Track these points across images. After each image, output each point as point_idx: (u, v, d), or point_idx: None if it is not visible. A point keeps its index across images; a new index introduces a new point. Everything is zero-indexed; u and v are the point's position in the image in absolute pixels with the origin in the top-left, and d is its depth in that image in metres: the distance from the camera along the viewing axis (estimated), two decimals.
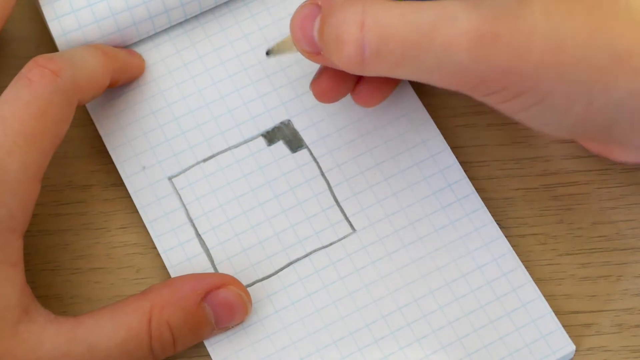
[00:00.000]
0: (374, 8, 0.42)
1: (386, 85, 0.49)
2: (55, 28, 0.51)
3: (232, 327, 0.48)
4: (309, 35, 0.45)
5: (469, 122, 0.52)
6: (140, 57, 0.53)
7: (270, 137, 0.52)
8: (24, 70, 0.46)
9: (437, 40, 0.41)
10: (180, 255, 0.50)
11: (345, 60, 0.43)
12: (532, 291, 0.48)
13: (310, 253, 0.49)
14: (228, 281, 0.47)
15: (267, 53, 0.49)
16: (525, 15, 0.41)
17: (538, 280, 0.49)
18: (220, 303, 0.47)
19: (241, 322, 0.48)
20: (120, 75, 0.51)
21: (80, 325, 0.45)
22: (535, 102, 0.42)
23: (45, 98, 0.46)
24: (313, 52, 0.45)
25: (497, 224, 0.50)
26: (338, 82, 0.48)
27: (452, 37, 0.41)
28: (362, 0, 0.43)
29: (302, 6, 0.45)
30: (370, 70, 0.43)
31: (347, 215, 0.50)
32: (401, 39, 0.42)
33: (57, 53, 0.48)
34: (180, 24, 0.53)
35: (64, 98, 0.47)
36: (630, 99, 0.41)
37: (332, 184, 0.51)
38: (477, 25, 0.41)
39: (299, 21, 0.45)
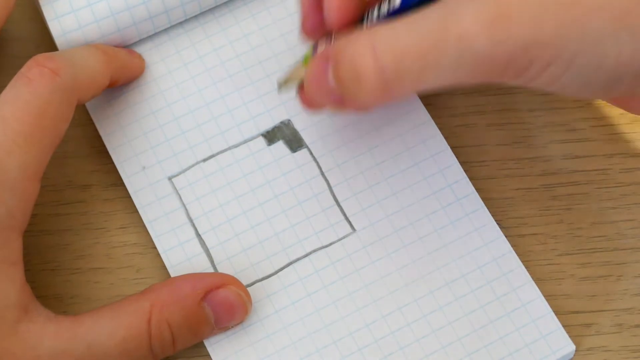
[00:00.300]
0: (381, 32, 0.41)
1: None
2: (55, 28, 0.51)
3: (232, 327, 0.48)
4: (327, 88, 0.43)
5: (469, 122, 0.53)
6: (140, 57, 0.53)
7: (270, 137, 0.52)
8: (23, 70, 0.46)
9: (452, 37, 0.40)
10: (180, 255, 0.50)
11: (370, 92, 0.42)
12: (532, 291, 0.48)
13: (310, 253, 0.49)
14: (228, 281, 0.47)
15: (278, 89, 0.49)
16: None
17: (538, 280, 0.49)
18: (220, 303, 0.47)
19: (241, 322, 0.48)
20: (120, 75, 0.51)
21: (80, 324, 0.45)
22: (565, 68, 0.40)
23: (44, 97, 0.46)
24: (337, 101, 0.44)
25: (497, 224, 0.50)
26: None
27: (465, 29, 0.40)
28: (365, 31, 0.42)
29: (309, 65, 0.44)
30: (397, 92, 0.42)
31: (347, 215, 0.50)
32: (416, 50, 0.40)
33: (56, 52, 0.48)
34: (180, 23, 0.53)
35: (63, 97, 0.47)
36: None
37: (332, 184, 0.51)
38: (486, 9, 0.40)
39: (315, 81, 0.44)
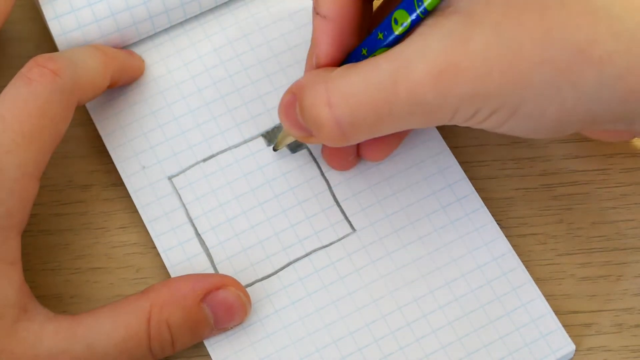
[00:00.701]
0: (336, 82, 0.43)
1: (391, 139, 0.49)
2: (55, 27, 0.51)
3: (231, 328, 0.48)
4: (296, 122, 0.46)
5: None
6: (140, 59, 0.53)
7: (270, 137, 0.52)
8: (23, 70, 0.46)
9: (402, 90, 0.42)
10: (180, 255, 0.50)
11: (329, 139, 0.44)
12: (532, 291, 0.48)
13: (310, 253, 0.49)
14: (228, 282, 0.47)
15: (274, 149, 0.50)
16: (476, 36, 0.41)
17: (538, 280, 0.49)
18: (219, 304, 0.47)
19: (240, 323, 0.48)
20: (120, 76, 0.51)
21: (79, 324, 0.45)
22: (510, 115, 0.42)
23: (44, 97, 0.46)
24: (305, 135, 0.46)
25: (497, 223, 0.50)
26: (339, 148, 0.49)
27: (414, 83, 0.42)
28: (323, 78, 0.44)
29: (282, 97, 0.47)
30: (355, 139, 0.44)
31: (347, 215, 0.50)
32: (369, 103, 0.43)
33: (57, 53, 0.48)
34: (180, 23, 0.53)
35: (63, 97, 0.47)
36: (601, 89, 0.41)
37: (332, 184, 0.51)
38: (433, 63, 0.41)
39: (284, 111, 0.46)
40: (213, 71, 0.53)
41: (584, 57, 0.40)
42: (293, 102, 0.46)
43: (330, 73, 0.44)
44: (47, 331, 0.45)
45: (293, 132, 0.47)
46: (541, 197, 0.51)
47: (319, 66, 0.46)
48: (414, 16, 0.43)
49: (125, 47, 0.53)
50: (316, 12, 0.45)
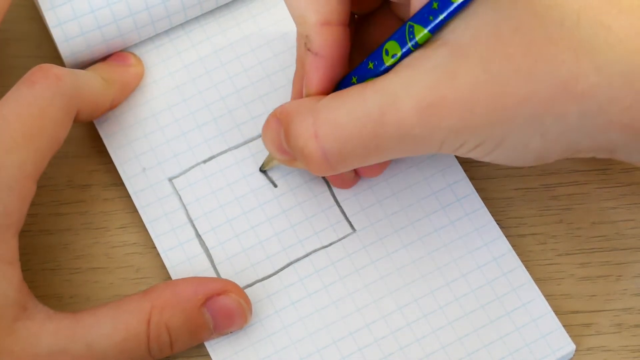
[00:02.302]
0: (323, 114, 0.44)
1: None
2: (58, 34, 0.50)
3: (231, 332, 0.48)
4: (281, 147, 0.46)
5: None
6: (137, 64, 0.52)
7: None
8: (27, 75, 0.47)
9: (389, 124, 0.42)
10: (180, 256, 0.49)
11: (315, 169, 0.45)
12: (532, 291, 0.48)
13: (310, 253, 0.49)
14: (230, 288, 0.47)
15: (261, 170, 0.51)
16: (463, 71, 0.41)
17: (537, 280, 0.49)
18: (219, 309, 0.47)
19: (239, 329, 0.48)
20: (120, 96, 0.51)
21: (79, 323, 0.45)
22: (494, 147, 0.43)
23: (46, 98, 0.46)
24: (290, 159, 0.47)
25: (497, 223, 0.50)
26: None
27: (401, 117, 0.42)
28: (310, 108, 0.44)
29: (267, 121, 0.47)
30: (342, 170, 0.45)
31: (347, 215, 0.50)
32: (356, 136, 0.43)
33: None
34: (181, 25, 0.54)
35: (64, 102, 0.47)
36: (584, 121, 0.41)
37: (332, 185, 0.51)
38: (420, 97, 0.42)
39: (268, 137, 0.47)
40: (213, 72, 0.53)
41: (568, 91, 0.41)
42: (278, 127, 0.46)
43: (317, 103, 0.44)
44: (47, 330, 0.45)
45: (277, 157, 0.47)
46: (541, 197, 0.51)
47: (308, 96, 0.46)
48: (405, 49, 0.43)
49: (125, 49, 0.53)
50: (307, 48, 0.46)
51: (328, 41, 0.45)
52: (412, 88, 0.42)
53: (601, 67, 0.40)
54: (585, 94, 0.40)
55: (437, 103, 0.41)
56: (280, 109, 0.46)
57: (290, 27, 0.53)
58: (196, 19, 0.54)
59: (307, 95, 0.46)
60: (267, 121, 0.47)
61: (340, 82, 0.46)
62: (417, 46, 0.43)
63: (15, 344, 0.44)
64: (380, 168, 0.49)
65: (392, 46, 0.44)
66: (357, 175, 0.50)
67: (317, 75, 0.46)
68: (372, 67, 0.44)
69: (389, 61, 0.44)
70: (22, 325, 0.45)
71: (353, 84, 0.45)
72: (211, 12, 0.54)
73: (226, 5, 0.54)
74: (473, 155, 0.43)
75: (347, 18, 0.46)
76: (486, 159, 0.44)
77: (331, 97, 0.44)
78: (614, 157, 0.44)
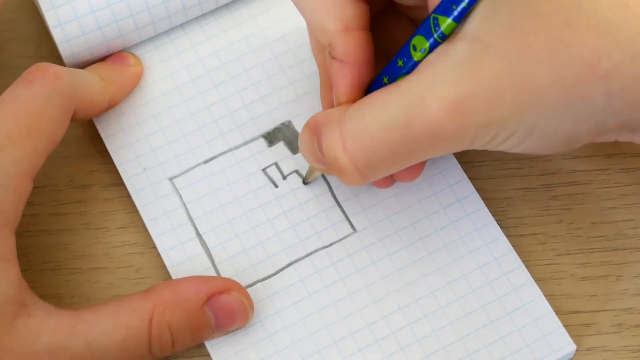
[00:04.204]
0: (349, 125, 0.44)
1: None
2: (58, 35, 0.50)
3: (232, 331, 0.48)
4: (318, 158, 0.46)
5: None
6: (136, 63, 0.52)
7: (271, 138, 0.52)
8: (25, 73, 0.47)
9: (418, 127, 0.42)
10: (180, 255, 0.49)
11: (349, 181, 0.45)
12: (532, 291, 0.48)
13: (311, 253, 0.49)
14: (231, 286, 0.47)
15: (304, 182, 0.51)
16: (486, 64, 0.41)
17: (538, 280, 0.49)
18: (221, 308, 0.47)
19: (241, 327, 0.48)
20: (118, 96, 0.51)
21: (80, 320, 0.45)
22: (526, 136, 0.42)
23: (44, 97, 0.47)
24: (329, 168, 0.46)
25: (497, 223, 0.50)
26: None
27: (429, 119, 0.42)
28: (337, 119, 0.44)
29: (301, 132, 0.47)
30: (374, 179, 0.45)
31: (348, 215, 0.50)
32: (385, 143, 0.43)
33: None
34: (181, 25, 0.54)
35: (61, 100, 0.47)
36: (609, 100, 0.41)
37: (332, 185, 0.51)
38: (447, 96, 0.41)
39: (305, 148, 0.46)
40: (213, 73, 0.53)
41: (592, 72, 0.40)
42: (312, 138, 0.46)
43: (343, 113, 0.44)
44: (47, 327, 0.45)
45: (317, 167, 0.47)
46: (541, 197, 0.51)
47: (339, 105, 0.46)
48: (431, 41, 0.43)
49: (125, 49, 0.53)
50: (332, 56, 0.46)
51: (352, 47, 0.45)
52: (437, 88, 0.42)
53: (622, 45, 0.40)
54: (610, 73, 0.40)
55: (464, 100, 0.41)
56: (312, 120, 0.46)
57: (290, 28, 0.53)
58: (196, 19, 0.54)
59: (339, 104, 0.46)
60: (302, 132, 0.46)
61: (371, 85, 0.46)
62: (444, 37, 0.42)
63: (15, 341, 0.44)
64: (417, 171, 0.48)
65: (419, 41, 0.43)
66: (392, 179, 0.50)
67: (345, 82, 0.46)
68: (401, 65, 0.44)
69: (417, 56, 0.43)
70: (22, 323, 0.45)
71: (385, 84, 0.45)
72: (211, 12, 0.54)
73: (226, 5, 0.54)
74: (504, 147, 0.43)
75: (367, 22, 0.46)
76: (517, 150, 0.43)
77: (356, 105, 0.44)
78: (637, 140, 0.44)
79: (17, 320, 0.45)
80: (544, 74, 0.41)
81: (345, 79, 0.46)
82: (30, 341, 0.44)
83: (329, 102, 0.48)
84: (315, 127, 0.45)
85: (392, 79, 0.45)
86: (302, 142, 0.47)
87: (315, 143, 0.45)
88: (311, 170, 0.50)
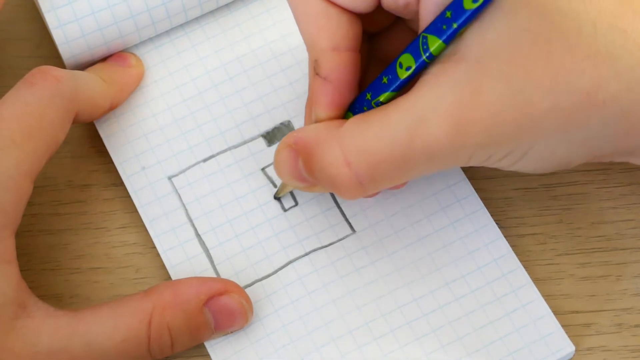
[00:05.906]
0: (350, 140, 0.44)
1: None
2: (59, 36, 0.50)
3: (231, 332, 0.48)
4: (300, 176, 0.46)
5: None
6: (137, 64, 0.52)
7: (270, 137, 0.52)
8: (26, 76, 0.47)
9: (418, 146, 0.43)
10: (180, 255, 0.50)
11: (348, 195, 0.45)
12: (531, 292, 0.48)
13: (310, 252, 0.49)
14: (231, 288, 0.47)
15: (275, 197, 0.50)
16: (486, 87, 0.41)
17: (537, 280, 0.49)
18: (221, 309, 0.47)
19: (240, 328, 0.48)
20: (119, 98, 0.51)
21: (80, 321, 0.45)
22: (521, 156, 0.43)
23: (45, 99, 0.47)
24: (309, 186, 0.47)
25: (496, 224, 0.50)
26: None
27: (430, 139, 0.42)
28: (334, 135, 0.44)
29: (278, 152, 0.46)
30: (374, 191, 0.45)
31: (347, 216, 0.50)
32: (387, 159, 0.43)
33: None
34: (181, 25, 0.54)
35: (63, 103, 0.47)
36: (606, 128, 0.42)
37: None
38: (447, 117, 0.42)
39: (283, 168, 0.46)
40: (213, 73, 0.53)
41: (590, 101, 0.41)
42: (294, 158, 0.46)
43: (339, 129, 0.44)
44: (47, 328, 0.45)
45: (295, 185, 0.47)
46: (540, 197, 0.51)
47: (318, 122, 0.46)
48: (419, 61, 0.43)
49: (125, 50, 0.53)
50: (316, 72, 0.46)
51: (337, 66, 0.45)
52: (439, 108, 0.42)
53: (620, 74, 0.40)
54: (607, 102, 0.41)
55: (464, 122, 0.42)
56: (293, 139, 0.46)
57: (290, 28, 0.53)
58: (196, 19, 0.54)
59: (317, 121, 0.46)
60: (279, 152, 0.46)
61: (355, 100, 0.46)
62: (432, 57, 0.43)
63: (15, 343, 0.44)
64: (404, 183, 0.49)
65: (406, 59, 0.43)
66: None
67: (325, 100, 0.46)
68: (386, 82, 0.44)
69: (403, 74, 0.44)
70: (22, 324, 0.45)
71: (368, 100, 0.45)
72: (211, 12, 0.54)
73: (226, 5, 0.54)
74: (499, 165, 0.44)
75: (358, 44, 0.46)
76: (511, 168, 0.44)
77: (354, 122, 0.44)
78: (632, 161, 0.44)
79: (17, 322, 0.45)
80: (543, 100, 0.41)
81: (327, 97, 0.46)
82: (30, 342, 0.45)
83: (311, 119, 0.48)
84: (303, 146, 0.45)
85: (375, 96, 0.45)
86: (282, 162, 0.46)
87: (300, 162, 0.45)
88: (284, 186, 0.50)
